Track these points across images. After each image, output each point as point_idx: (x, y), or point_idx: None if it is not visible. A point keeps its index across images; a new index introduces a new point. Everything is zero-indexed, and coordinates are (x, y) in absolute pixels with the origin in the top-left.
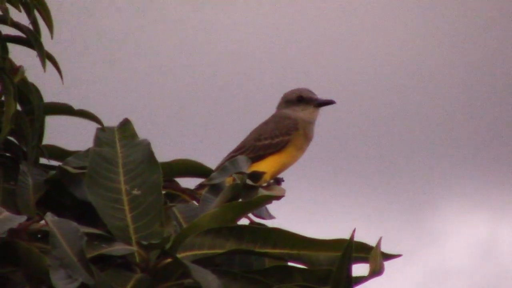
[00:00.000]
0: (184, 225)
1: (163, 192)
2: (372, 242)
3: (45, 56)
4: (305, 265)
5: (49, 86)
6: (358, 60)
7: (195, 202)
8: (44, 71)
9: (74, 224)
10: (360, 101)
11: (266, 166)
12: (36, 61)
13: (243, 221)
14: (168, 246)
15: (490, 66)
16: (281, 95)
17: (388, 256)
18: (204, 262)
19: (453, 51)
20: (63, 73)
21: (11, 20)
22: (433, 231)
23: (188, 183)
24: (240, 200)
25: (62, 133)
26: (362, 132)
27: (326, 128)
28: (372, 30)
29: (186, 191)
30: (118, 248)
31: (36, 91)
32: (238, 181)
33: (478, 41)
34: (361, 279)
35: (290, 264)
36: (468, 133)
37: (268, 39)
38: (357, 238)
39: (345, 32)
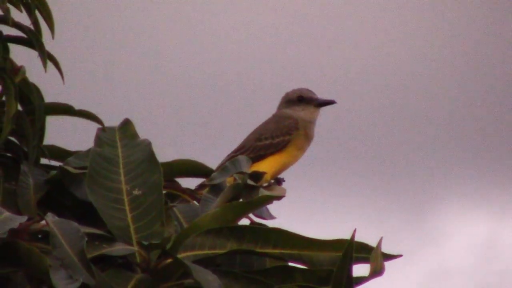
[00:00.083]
0: (185, 225)
1: (164, 192)
2: (372, 242)
3: (46, 56)
4: (305, 265)
5: (50, 86)
6: (358, 60)
7: (195, 202)
8: (45, 71)
9: (75, 224)
10: (360, 101)
11: (266, 166)
12: (37, 61)
13: (244, 221)
14: (168, 246)
15: (490, 66)
16: (281, 95)
17: (389, 256)
18: (205, 262)
19: (453, 51)
20: (64, 74)
21: (12, 20)
22: (433, 231)
23: (189, 183)
24: (241, 200)
25: (63, 133)
26: (362, 132)
27: (326, 128)
28: (372, 30)
29: (186, 191)
30: (118, 248)
31: (37, 91)
32: (239, 181)
33: (478, 41)
34: (362, 279)
35: (291, 264)
36: (468, 133)
37: (268, 39)
38: (358, 238)
39: (345, 32)
